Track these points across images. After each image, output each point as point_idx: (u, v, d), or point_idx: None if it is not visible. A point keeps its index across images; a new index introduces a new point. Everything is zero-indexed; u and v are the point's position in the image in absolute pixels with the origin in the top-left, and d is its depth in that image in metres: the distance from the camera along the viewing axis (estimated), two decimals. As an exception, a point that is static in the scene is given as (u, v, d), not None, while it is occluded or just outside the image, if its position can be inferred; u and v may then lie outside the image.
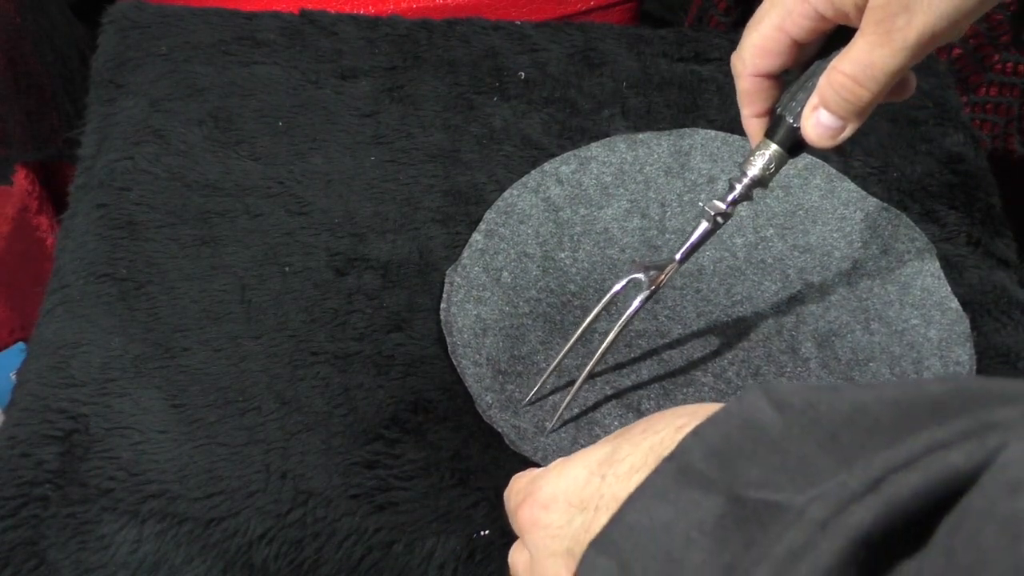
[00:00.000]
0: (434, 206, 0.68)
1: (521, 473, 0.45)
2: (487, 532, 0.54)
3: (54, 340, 0.59)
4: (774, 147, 0.51)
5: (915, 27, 0.44)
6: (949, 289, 0.64)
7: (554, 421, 0.57)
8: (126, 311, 0.61)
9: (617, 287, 0.55)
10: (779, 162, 0.51)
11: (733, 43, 0.80)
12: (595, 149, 0.70)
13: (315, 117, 0.71)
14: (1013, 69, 0.90)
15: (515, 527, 0.43)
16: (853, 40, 0.46)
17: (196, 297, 0.62)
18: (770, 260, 0.66)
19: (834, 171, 0.70)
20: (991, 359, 0.63)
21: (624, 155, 0.70)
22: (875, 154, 0.74)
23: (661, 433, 0.37)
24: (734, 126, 0.74)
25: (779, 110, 0.50)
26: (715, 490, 0.31)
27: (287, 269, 0.64)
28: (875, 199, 0.69)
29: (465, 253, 0.64)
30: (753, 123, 0.53)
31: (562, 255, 0.65)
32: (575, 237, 0.66)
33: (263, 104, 0.72)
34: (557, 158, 0.69)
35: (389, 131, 0.71)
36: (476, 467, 0.56)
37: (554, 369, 0.58)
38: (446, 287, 0.62)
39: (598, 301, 0.59)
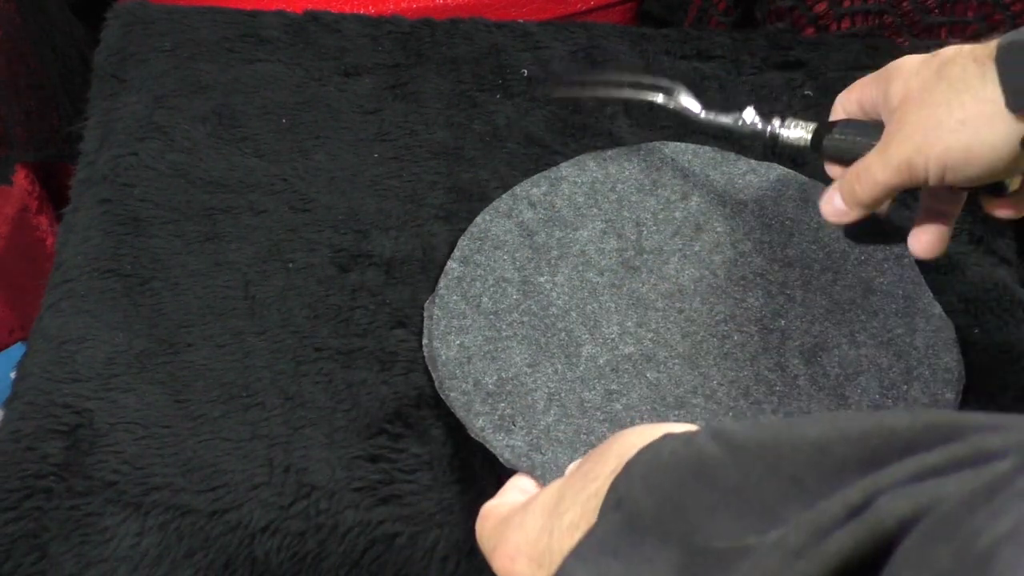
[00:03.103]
0: (437, 203, 0.68)
1: (488, 508, 0.45)
2: (491, 526, 0.54)
3: (58, 335, 0.59)
4: (812, 131, 0.61)
5: (898, 152, 0.52)
6: (931, 295, 0.63)
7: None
8: (130, 307, 0.61)
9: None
10: (798, 142, 0.61)
11: (736, 41, 0.81)
12: (565, 169, 0.68)
13: (318, 114, 0.72)
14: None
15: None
16: None
17: (200, 293, 0.62)
18: (750, 276, 0.64)
19: (808, 180, 0.69)
20: (993, 356, 0.64)
21: (595, 173, 0.68)
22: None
23: (598, 480, 0.36)
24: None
25: (825, 126, 0.60)
26: (670, 542, 0.29)
27: (291, 265, 0.64)
28: None
29: (442, 283, 0.62)
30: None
31: (541, 279, 0.63)
32: (552, 261, 0.64)
33: (267, 101, 0.72)
34: (527, 180, 0.68)
35: (392, 128, 0.72)
36: (478, 460, 0.56)
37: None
38: (426, 321, 0.61)
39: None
